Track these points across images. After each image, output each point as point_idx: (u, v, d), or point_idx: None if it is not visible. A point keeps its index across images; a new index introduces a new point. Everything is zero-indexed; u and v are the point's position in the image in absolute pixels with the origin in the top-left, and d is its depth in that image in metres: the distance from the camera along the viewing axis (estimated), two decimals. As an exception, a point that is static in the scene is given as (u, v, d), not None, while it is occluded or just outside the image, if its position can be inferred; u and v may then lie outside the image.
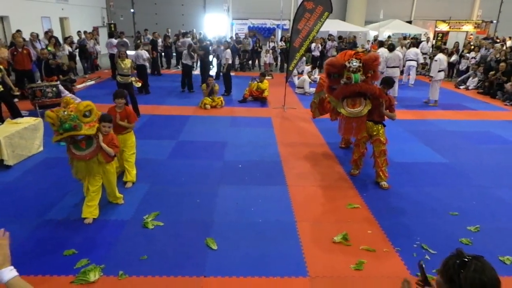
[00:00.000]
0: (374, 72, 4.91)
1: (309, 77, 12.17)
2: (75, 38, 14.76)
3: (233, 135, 7.37)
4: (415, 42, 15.94)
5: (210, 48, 12.74)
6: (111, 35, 16.15)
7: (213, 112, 9.21)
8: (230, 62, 11.41)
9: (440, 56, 10.26)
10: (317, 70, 13.35)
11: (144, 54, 10.85)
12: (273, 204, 4.62)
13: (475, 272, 1.30)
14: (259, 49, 16.59)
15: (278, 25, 20.52)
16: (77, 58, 14.13)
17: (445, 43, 17.45)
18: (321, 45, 16.22)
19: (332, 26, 17.44)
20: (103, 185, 4.24)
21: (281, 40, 16.98)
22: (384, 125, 5.22)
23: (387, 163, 5.23)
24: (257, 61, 17.02)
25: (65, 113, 3.55)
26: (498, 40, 15.82)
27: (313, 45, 15.72)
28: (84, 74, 13.88)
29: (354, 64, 4.71)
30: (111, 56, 13.09)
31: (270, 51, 16.17)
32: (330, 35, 17.01)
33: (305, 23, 8.96)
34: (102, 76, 13.76)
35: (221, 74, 12.06)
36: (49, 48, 11.16)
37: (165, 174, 5.44)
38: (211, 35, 17.95)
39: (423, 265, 1.65)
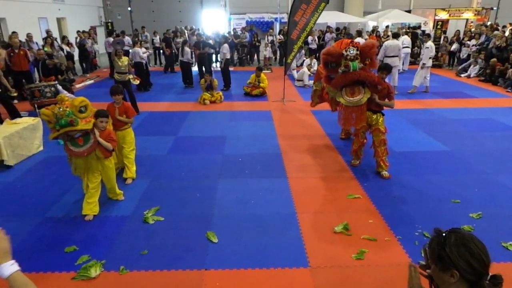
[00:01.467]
0: (372, 60, 4.86)
1: (309, 69, 12.11)
2: (72, 38, 14.74)
3: (233, 129, 7.35)
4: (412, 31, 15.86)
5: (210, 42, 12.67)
6: (110, 33, 16.12)
7: (212, 108, 9.18)
8: (228, 56, 11.37)
9: (430, 44, 10.25)
10: (316, 62, 13.27)
11: (141, 51, 10.82)
12: (273, 196, 4.60)
13: (456, 244, 1.31)
14: (257, 43, 16.51)
15: (276, 19, 20.38)
16: (76, 58, 14.12)
17: (445, 32, 17.28)
18: (318, 38, 16.12)
19: (330, 17, 17.30)
20: (102, 181, 4.24)
21: (279, 33, 16.89)
22: (383, 114, 5.18)
23: (387, 152, 5.20)
24: (255, 55, 16.94)
25: (61, 109, 3.54)
26: (498, 27, 15.65)
27: (309, 38, 15.63)
28: (84, 74, 13.87)
29: (352, 52, 4.66)
30: (110, 55, 13.08)
31: (269, 45, 16.09)
32: (328, 27, 16.88)
33: (302, 14, 8.89)
34: (101, 75, 13.75)
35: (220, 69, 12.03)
36: (45, 49, 11.15)
37: (165, 169, 5.43)
38: (209, 31, 17.87)
39: (427, 250, 1.63)
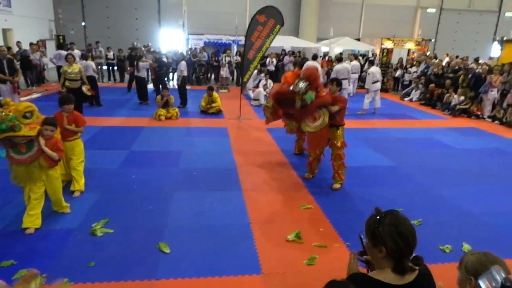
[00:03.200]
0: (318, 86, 5.06)
1: (264, 89, 12.43)
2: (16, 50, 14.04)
3: (188, 145, 7.31)
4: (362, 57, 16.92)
5: (165, 59, 12.62)
6: (60, 46, 15.55)
7: (168, 123, 9.09)
8: (185, 74, 11.40)
9: (373, 69, 11.05)
10: (271, 83, 13.64)
11: (93, 65, 10.56)
12: (227, 208, 4.61)
13: (388, 223, 1.45)
14: (214, 63, 16.71)
15: (233, 41, 20.82)
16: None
17: (389, 59, 18.61)
18: (276, 60, 16.68)
19: (286, 42, 18.07)
20: (46, 193, 4.02)
21: (236, 54, 17.24)
22: (339, 127, 5.36)
23: (344, 166, 5.40)
24: (213, 75, 17.12)
25: (3, 113, 3.36)
26: (436, 57, 17.13)
27: (268, 60, 16.14)
28: (29, 87, 13.18)
29: (302, 85, 4.79)
30: (59, 68, 12.57)
31: (226, 65, 16.35)
32: (283, 50, 17.54)
33: (258, 35, 9.21)
34: (49, 89, 13.13)
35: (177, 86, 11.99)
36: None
37: (116, 183, 5.25)
38: (166, 49, 17.84)
39: (362, 238, 1.74)
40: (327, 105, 5.03)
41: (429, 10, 23.79)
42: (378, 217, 1.51)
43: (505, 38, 16.48)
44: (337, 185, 5.34)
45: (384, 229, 1.45)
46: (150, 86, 12.99)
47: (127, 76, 16.30)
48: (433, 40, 23.86)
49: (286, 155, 6.93)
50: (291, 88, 4.92)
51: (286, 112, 5.37)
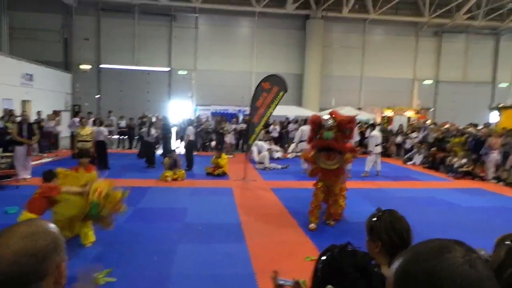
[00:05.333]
0: (350, 132, 5.73)
1: (269, 153, 12.76)
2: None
3: (194, 202, 7.39)
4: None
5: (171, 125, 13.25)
6: (75, 115, 16.41)
7: (174, 184, 9.25)
8: (192, 138, 11.85)
9: (375, 133, 11.44)
10: (278, 148, 14.08)
11: (105, 131, 11.09)
12: (232, 259, 4.58)
13: (385, 220, 1.56)
14: (220, 131, 17.32)
15: (239, 111, 21.83)
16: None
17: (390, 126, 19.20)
18: (279, 127, 17.32)
19: (289, 111, 18.94)
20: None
21: (241, 122, 17.96)
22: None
23: (340, 214, 5.69)
24: (219, 142, 17.67)
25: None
26: (435, 123, 17.70)
27: (271, 127, 16.78)
28: (40, 153, 13.66)
29: (329, 123, 5.55)
30: (73, 134, 13.16)
31: (232, 132, 16.96)
32: (287, 118, 18.30)
33: (262, 101, 9.77)
34: (60, 155, 13.58)
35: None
36: (6, 124, 11.12)
37: (122, 235, 5.27)
38: (175, 119, 18.68)
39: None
40: (342, 152, 5.63)
41: (425, 82, 25.09)
42: (377, 214, 1.63)
43: (501, 105, 17.11)
44: (331, 222, 5.79)
45: (381, 224, 1.57)
46: (158, 151, 13.41)
47: (136, 143, 16.94)
48: (432, 109, 24.76)
49: (290, 212, 6.94)
50: (323, 120, 5.70)
51: (312, 137, 5.98)
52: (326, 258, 1.23)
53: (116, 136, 16.57)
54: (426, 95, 24.89)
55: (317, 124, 5.76)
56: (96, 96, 22.58)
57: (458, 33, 24.35)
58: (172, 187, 8.92)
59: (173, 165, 9.88)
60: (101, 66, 22.11)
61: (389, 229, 1.56)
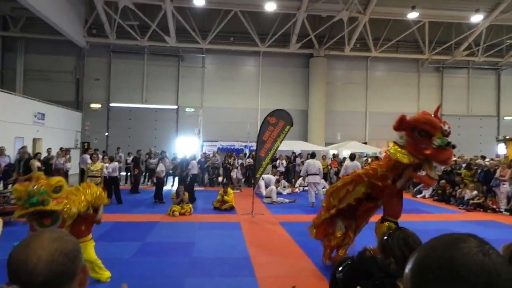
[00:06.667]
0: None
1: (276, 187, 12.72)
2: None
3: (202, 236, 7.31)
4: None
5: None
6: (85, 152, 16.65)
7: (182, 219, 9.18)
8: (194, 172, 11.93)
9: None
10: (285, 182, 14.03)
11: (118, 165, 11.23)
12: (242, 292, 4.47)
13: (397, 237, 1.58)
14: (228, 165, 17.37)
15: (246, 146, 22.01)
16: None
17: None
18: (286, 162, 17.36)
19: (296, 145, 19.08)
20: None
21: (248, 157, 18.04)
22: None
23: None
24: (225, 177, 17.70)
25: (35, 187, 3.63)
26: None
27: (278, 161, 16.84)
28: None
29: (449, 129, 4.42)
30: (83, 172, 13.28)
31: (239, 167, 17.01)
32: (293, 152, 18.38)
33: (269, 135, 9.90)
34: (69, 191, 13.63)
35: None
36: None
37: (130, 270, 5.20)
38: (182, 154, 18.85)
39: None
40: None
41: (429, 116, 25.32)
42: (388, 232, 1.64)
43: (507, 137, 17.09)
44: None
45: (393, 241, 1.57)
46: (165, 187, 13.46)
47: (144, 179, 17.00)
48: (438, 143, 24.76)
49: (300, 245, 6.81)
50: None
51: (418, 144, 4.51)
52: (348, 264, 1.27)
53: (124, 173, 16.67)
54: (432, 128, 24.97)
55: (433, 127, 4.33)
56: (105, 134, 22.98)
57: (459, 69, 24.79)
58: (180, 221, 8.85)
59: (181, 200, 9.87)
60: (111, 105, 22.68)
61: (402, 245, 1.57)
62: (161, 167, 12.05)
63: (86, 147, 18.33)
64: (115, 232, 7.55)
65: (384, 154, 5.55)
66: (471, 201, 11.35)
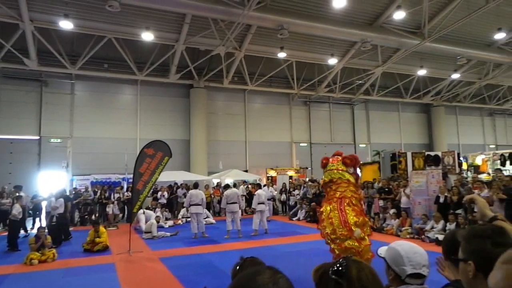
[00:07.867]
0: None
1: (157, 221, 12.11)
2: None
3: (67, 285, 6.44)
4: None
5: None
6: None
7: (42, 267, 7.89)
8: (61, 211, 10.59)
9: (259, 191, 12.17)
10: (168, 214, 13.47)
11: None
12: None
13: (247, 269, 1.56)
14: (104, 201, 15.87)
15: (123, 178, 20.53)
16: None
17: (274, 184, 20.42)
18: (168, 193, 16.79)
19: (178, 176, 18.66)
20: None
21: (126, 190, 16.88)
22: None
23: None
24: (100, 214, 16.10)
25: None
26: (315, 180, 19.54)
27: (159, 193, 16.18)
28: None
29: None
30: None
31: (115, 202, 15.71)
32: (175, 183, 17.93)
33: (146, 167, 9.46)
34: None
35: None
36: None
37: None
38: (46, 192, 16.51)
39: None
40: None
41: (301, 144, 27.92)
42: (239, 263, 1.65)
43: (361, 162, 19.97)
44: None
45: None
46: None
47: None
48: (309, 168, 27.38)
49: (180, 280, 6.53)
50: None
51: None
52: (323, 273, 1.31)
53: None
54: (303, 155, 27.53)
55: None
56: None
57: (322, 103, 28.31)
58: (40, 270, 7.59)
59: (41, 246, 8.52)
60: None
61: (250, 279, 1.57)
62: (17, 208, 10.28)
63: None
64: None
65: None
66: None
